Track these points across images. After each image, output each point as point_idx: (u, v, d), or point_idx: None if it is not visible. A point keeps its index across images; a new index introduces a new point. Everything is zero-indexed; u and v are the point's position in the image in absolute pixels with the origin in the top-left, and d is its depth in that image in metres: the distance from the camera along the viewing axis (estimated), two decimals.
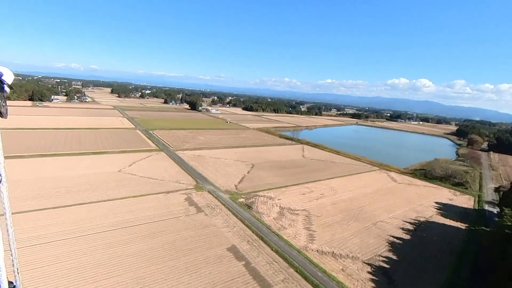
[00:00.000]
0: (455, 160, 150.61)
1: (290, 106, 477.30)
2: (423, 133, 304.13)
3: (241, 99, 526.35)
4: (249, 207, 61.58)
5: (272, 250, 45.23)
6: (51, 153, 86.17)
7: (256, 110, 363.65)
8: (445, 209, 72.05)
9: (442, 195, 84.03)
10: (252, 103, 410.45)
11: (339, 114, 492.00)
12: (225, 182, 75.75)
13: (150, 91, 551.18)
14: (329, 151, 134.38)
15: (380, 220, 60.84)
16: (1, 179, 2.26)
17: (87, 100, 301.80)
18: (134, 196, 60.34)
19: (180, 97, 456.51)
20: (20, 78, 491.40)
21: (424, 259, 47.25)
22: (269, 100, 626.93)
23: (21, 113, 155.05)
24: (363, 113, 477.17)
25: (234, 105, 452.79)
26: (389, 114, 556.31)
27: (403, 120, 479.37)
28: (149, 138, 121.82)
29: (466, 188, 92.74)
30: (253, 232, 50.31)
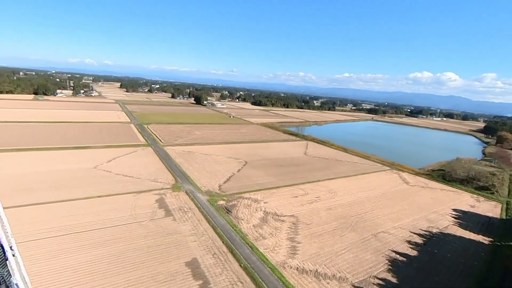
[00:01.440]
0: (481, 160, 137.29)
1: (303, 101, 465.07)
2: (445, 130, 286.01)
3: (252, 94, 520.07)
4: (228, 211, 54.71)
5: (241, 266, 38.16)
6: (29, 147, 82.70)
7: (265, 105, 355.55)
8: (465, 218, 62.23)
9: (462, 201, 73.77)
10: (261, 98, 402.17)
11: (355, 110, 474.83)
12: (209, 182, 69.19)
13: (158, 86, 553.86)
14: (336, 148, 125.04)
15: (382, 231, 52.33)
16: None
17: (93, 95, 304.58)
18: (99, 196, 54.88)
19: (188, 91, 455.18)
20: (34, 73, 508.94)
21: (433, 284, 38.69)
22: (282, 95, 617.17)
23: (17, 106, 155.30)
24: (380, 109, 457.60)
25: (244, 100, 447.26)
26: (409, 110, 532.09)
27: (424, 116, 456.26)
28: (140, 133, 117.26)
29: (492, 193, 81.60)
30: (223, 242, 43.39)
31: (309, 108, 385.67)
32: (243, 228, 48.67)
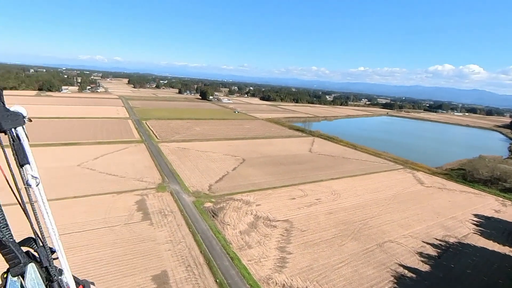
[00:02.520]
0: (507, 158, 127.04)
1: (315, 96, 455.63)
2: (467, 126, 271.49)
3: (262, 89, 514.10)
4: (214, 214, 50.03)
5: (216, 282, 33.36)
6: None
7: (274, 100, 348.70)
8: (488, 226, 55.15)
9: (485, 205, 66.26)
10: (270, 93, 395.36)
11: (369, 105, 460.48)
12: (199, 181, 64.71)
13: (166, 82, 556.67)
14: (344, 145, 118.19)
15: (389, 239, 46.33)
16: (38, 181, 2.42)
17: (99, 91, 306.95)
18: (75, 197, 51.32)
19: (196, 87, 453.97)
20: (44, 70, 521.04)
21: None
22: (294, 90, 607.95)
23: (16, 102, 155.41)
24: (396, 103, 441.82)
25: (253, 95, 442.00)
26: (428, 105, 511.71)
27: (444, 111, 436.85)
28: (136, 129, 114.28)
29: None
30: (201, 252, 38.71)
31: (321, 103, 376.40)
32: (228, 235, 43.83)
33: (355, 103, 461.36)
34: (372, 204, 60.30)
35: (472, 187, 77.57)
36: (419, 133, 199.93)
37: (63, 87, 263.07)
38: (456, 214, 58.96)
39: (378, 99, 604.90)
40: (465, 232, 51.72)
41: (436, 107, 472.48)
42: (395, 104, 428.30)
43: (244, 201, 56.15)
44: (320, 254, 40.67)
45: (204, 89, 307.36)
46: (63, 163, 68.13)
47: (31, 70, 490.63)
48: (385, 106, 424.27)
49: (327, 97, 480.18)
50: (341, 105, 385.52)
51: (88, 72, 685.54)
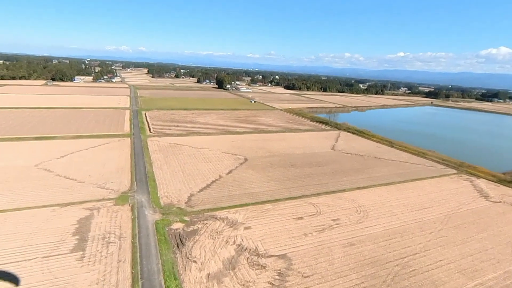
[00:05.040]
0: None
1: (346, 85, 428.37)
2: None
3: (289, 78, 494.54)
4: (180, 243, 36.71)
5: None
6: None
7: (299, 89, 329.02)
8: None
9: None
10: (296, 81, 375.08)
11: (409, 93, 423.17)
12: (178, 189, 51.80)
13: (186, 71, 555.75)
14: (377, 141, 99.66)
15: None
16: None
17: (114, 80, 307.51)
18: (2, 211, 40.46)
19: (216, 76, 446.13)
20: (67, 61, 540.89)
21: None
22: (323, 78, 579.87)
23: (14, 91, 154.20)
24: (442, 92, 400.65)
25: (277, 84, 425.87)
26: (480, 94, 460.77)
27: (501, 100, 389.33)
28: (130, 121, 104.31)
29: None
30: None
31: (352, 92, 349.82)
32: (187, 281, 30.25)
33: (392, 91, 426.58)
34: (415, 229, 43.66)
35: None
36: (473, 126, 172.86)
37: (76, 77, 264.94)
38: None
39: (419, 88, 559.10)
40: None
41: (490, 95, 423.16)
42: (440, 92, 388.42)
43: (229, 221, 42.30)
44: None
45: (221, 78, 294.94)
46: (19, 162, 58.47)
47: (54, 61, 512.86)
48: (428, 95, 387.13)
49: (361, 85, 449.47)
50: (376, 94, 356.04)
51: (110, 63, 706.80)
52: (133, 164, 61.90)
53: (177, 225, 40.66)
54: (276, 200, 50.20)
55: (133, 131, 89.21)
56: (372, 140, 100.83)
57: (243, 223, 42.04)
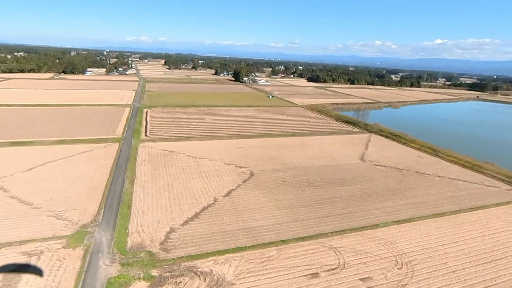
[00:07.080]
0: None
1: (377, 76, 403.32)
2: None
3: (313, 69, 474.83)
4: None
5: None
6: None
7: (324, 81, 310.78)
8: None
9: None
10: (320, 72, 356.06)
11: (449, 85, 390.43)
12: (157, 221, 41.27)
13: (204, 62, 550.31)
14: (417, 148, 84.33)
15: None
16: None
17: (127, 73, 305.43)
18: None
19: (234, 67, 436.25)
20: (85, 53, 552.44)
21: None
22: (351, 69, 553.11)
23: (14, 86, 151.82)
24: (489, 83, 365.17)
25: (300, 76, 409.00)
26: None
27: None
28: (127, 120, 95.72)
29: None
30: None
31: (384, 85, 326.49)
32: None
33: (430, 83, 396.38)
34: None
35: None
36: None
37: (88, 70, 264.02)
38: None
39: (460, 78, 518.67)
40: None
41: None
42: (487, 84, 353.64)
43: (214, 278, 31.14)
44: None
45: (238, 69, 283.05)
46: None
47: (73, 53, 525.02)
48: (472, 87, 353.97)
49: (393, 76, 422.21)
50: (411, 86, 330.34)
51: (128, 54, 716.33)
52: (109, 182, 52.20)
53: (139, 286, 30.02)
54: (284, 242, 38.35)
55: (125, 135, 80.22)
56: (411, 147, 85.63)
57: (233, 284, 30.70)
